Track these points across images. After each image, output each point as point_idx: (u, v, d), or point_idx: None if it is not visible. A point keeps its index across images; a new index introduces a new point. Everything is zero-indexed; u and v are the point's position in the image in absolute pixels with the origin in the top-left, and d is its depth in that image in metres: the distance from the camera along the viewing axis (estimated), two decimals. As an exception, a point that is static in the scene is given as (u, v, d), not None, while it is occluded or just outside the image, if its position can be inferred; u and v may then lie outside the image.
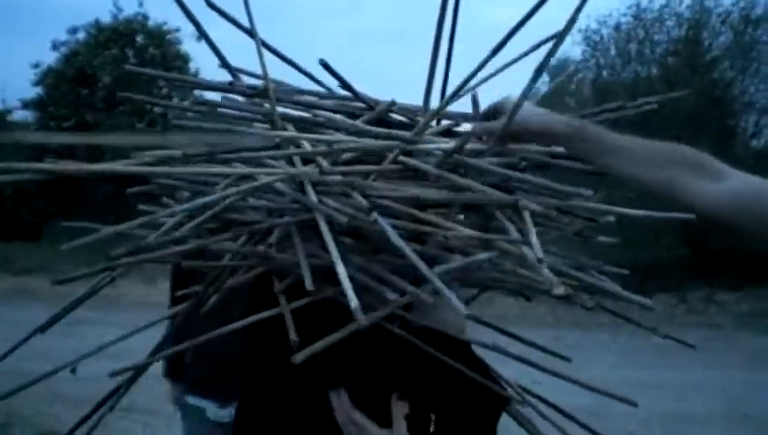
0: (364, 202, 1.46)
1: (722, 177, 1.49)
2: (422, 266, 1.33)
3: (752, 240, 1.42)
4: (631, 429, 3.27)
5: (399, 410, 1.61)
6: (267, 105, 1.73)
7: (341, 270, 1.35)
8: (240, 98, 1.80)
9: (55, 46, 23.97)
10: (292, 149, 1.64)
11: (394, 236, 1.38)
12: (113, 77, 22.44)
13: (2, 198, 20.76)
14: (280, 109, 1.73)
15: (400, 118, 1.77)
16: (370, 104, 1.79)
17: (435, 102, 1.72)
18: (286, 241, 1.57)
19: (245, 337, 1.72)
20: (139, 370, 1.76)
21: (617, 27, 17.11)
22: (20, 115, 24.37)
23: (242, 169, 1.65)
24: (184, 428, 3.71)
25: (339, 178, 1.52)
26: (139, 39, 24.16)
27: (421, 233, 1.50)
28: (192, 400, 3.56)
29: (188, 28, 23.09)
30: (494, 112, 1.66)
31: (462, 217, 1.61)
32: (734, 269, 14.54)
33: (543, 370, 1.74)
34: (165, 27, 24.26)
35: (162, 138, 1.72)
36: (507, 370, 1.82)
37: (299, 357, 1.35)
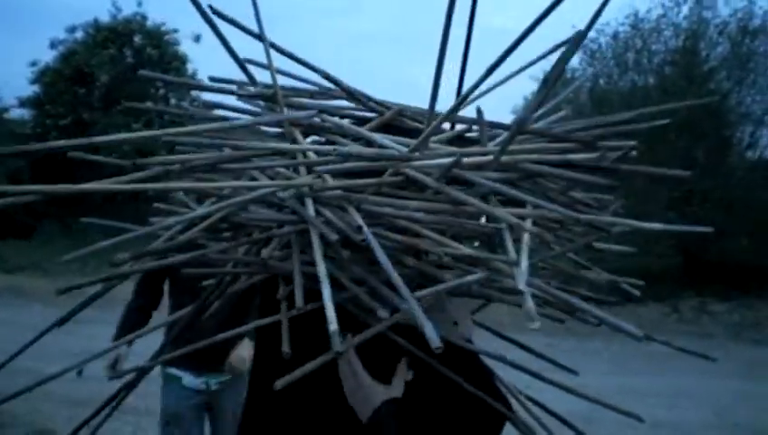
0: (357, 217, 1.47)
1: None
2: (402, 289, 1.33)
3: None
4: (623, 434, 3.29)
5: (402, 372, 1.63)
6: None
7: (326, 291, 1.35)
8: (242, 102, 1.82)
9: (53, 45, 23.98)
10: (289, 160, 1.65)
11: (380, 254, 1.39)
12: (110, 76, 22.45)
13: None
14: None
15: (410, 123, 1.78)
16: (379, 110, 1.80)
17: (443, 107, 1.73)
18: (289, 249, 1.58)
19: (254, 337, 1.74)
20: (142, 373, 1.77)
21: (615, 36, 17.15)
22: (17, 113, 24.37)
23: (237, 183, 1.66)
24: (164, 391, 4.42)
25: (335, 192, 1.53)
26: (137, 39, 24.16)
27: (416, 248, 1.50)
28: (171, 370, 4.35)
29: (186, 29, 23.15)
30: None
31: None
32: (725, 279, 14.58)
33: (542, 378, 1.75)
34: (163, 28, 24.27)
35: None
36: (503, 375, 1.83)
37: (279, 384, 1.36)
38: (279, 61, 1.87)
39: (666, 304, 14.26)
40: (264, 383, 1.50)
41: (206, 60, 27.00)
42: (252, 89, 1.83)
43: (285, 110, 1.78)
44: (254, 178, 1.67)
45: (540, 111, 1.83)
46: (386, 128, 1.76)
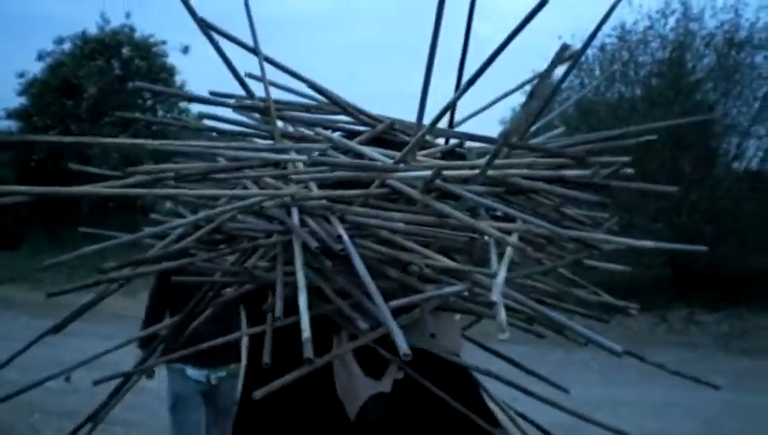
0: (339, 227, 1.47)
1: None
2: (377, 297, 1.34)
3: None
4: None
5: (393, 371, 1.63)
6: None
7: (302, 299, 1.36)
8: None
9: (41, 56, 23.95)
10: (273, 170, 1.66)
11: (359, 264, 1.40)
12: (98, 88, 22.43)
13: (-17, 207, 20.66)
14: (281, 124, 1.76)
15: (402, 136, 1.78)
16: (370, 123, 1.81)
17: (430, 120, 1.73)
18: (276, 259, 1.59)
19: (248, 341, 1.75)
20: (125, 380, 1.77)
21: (602, 48, 17.21)
22: (4, 124, 24.31)
23: (219, 192, 1.67)
24: (169, 380, 5.05)
25: (319, 202, 1.54)
26: (125, 51, 24.16)
27: (397, 260, 1.51)
28: (175, 364, 4.83)
29: (175, 41, 23.17)
30: None
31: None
32: (714, 290, 14.62)
33: (528, 392, 1.75)
34: (151, 39, 24.28)
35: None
36: (490, 386, 1.83)
37: (258, 394, 1.37)
38: (277, 75, 1.88)
39: (654, 314, 14.28)
40: (258, 386, 1.51)
41: (194, 72, 27.03)
42: (249, 102, 1.84)
43: (279, 123, 1.80)
44: (245, 188, 1.68)
45: (535, 127, 1.84)
46: (377, 141, 1.77)
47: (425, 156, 1.74)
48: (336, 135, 1.79)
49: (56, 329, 1.64)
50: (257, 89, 1.87)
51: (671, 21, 16.86)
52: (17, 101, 23.78)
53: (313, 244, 1.43)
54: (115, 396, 1.81)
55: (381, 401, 1.60)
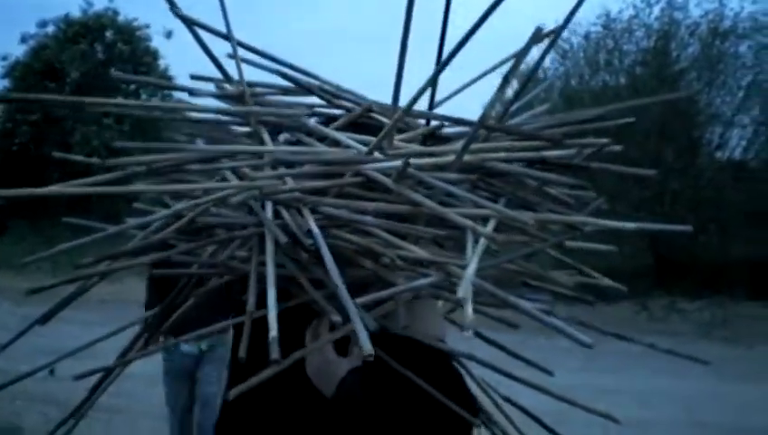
0: (310, 219, 1.48)
1: None
2: (342, 290, 1.35)
3: None
4: (592, 432, 3.30)
5: (359, 355, 1.62)
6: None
7: (271, 294, 1.38)
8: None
9: (24, 39, 23.75)
10: (252, 160, 1.66)
11: (327, 257, 1.40)
12: (81, 72, 22.28)
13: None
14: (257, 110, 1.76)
15: (382, 119, 1.77)
16: (348, 107, 1.80)
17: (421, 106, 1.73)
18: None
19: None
20: (109, 372, 1.77)
21: (586, 36, 17.22)
22: (-15, 107, 24.10)
23: (195, 185, 1.67)
24: (164, 353, 5.43)
25: (291, 195, 1.54)
26: (109, 34, 23.97)
27: (371, 251, 1.51)
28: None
29: (158, 25, 23.01)
30: None
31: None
32: (695, 278, 14.70)
33: (513, 377, 1.76)
34: (135, 23, 24.11)
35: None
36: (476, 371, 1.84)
37: (231, 394, 1.37)
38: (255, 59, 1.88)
39: (636, 302, 14.34)
40: (242, 378, 1.51)
41: (177, 56, 26.82)
42: (228, 86, 1.84)
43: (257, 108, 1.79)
44: (224, 179, 1.68)
45: (513, 108, 1.84)
46: (355, 125, 1.76)
47: (404, 140, 1.73)
48: (312, 121, 1.78)
49: (44, 319, 1.64)
50: (252, 74, 1.87)
51: (656, 10, 16.90)
52: (0, 84, 23.63)
53: (283, 239, 1.43)
54: (97, 390, 1.81)
55: (358, 376, 1.61)
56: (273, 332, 1.31)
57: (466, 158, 1.61)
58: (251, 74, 1.86)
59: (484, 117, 1.60)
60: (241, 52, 1.88)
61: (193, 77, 1.88)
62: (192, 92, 1.83)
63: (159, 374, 5.54)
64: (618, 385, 8.77)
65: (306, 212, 1.50)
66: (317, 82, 1.87)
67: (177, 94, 1.93)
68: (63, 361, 1.70)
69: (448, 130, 1.79)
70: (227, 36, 1.86)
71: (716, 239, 14.65)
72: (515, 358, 1.82)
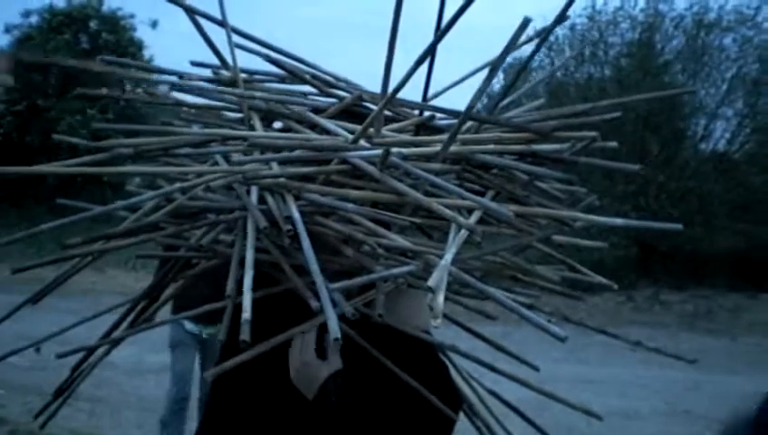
0: (292, 205, 1.49)
1: None
2: (318, 277, 1.37)
3: None
4: (573, 423, 3.32)
5: (336, 348, 1.63)
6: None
7: (248, 279, 1.40)
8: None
9: (8, 29, 23.58)
10: (229, 146, 1.67)
11: (306, 246, 1.41)
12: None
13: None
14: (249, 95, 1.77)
15: (372, 107, 1.77)
16: (339, 96, 1.81)
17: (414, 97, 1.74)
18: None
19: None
20: (91, 351, 1.77)
21: (572, 28, 17.22)
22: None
23: (181, 168, 1.68)
24: (170, 328, 5.61)
25: (274, 180, 1.54)
26: (93, 24, 23.81)
27: (353, 238, 1.51)
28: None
29: (142, 15, 22.89)
30: None
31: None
32: (679, 270, 14.77)
33: (495, 370, 1.77)
34: (119, 13, 23.97)
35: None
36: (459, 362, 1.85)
37: (208, 375, 1.39)
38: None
39: (620, 293, 14.38)
40: (229, 379, 1.52)
41: (162, 46, 26.74)
42: (225, 72, 1.85)
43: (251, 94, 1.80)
44: (215, 164, 1.69)
45: (505, 102, 1.85)
46: (346, 113, 1.77)
47: (395, 130, 1.74)
48: (305, 109, 1.79)
49: (34, 301, 1.65)
50: (249, 62, 1.88)
51: (641, 2, 16.91)
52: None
53: (263, 222, 1.44)
54: (82, 369, 1.81)
55: (339, 379, 1.61)
56: (247, 314, 1.32)
57: (455, 149, 1.62)
58: (249, 62, 1.88)
59: (469, 107, 1.60)
60: (238, 39, 1.89)
61: (193, 63, 1.90)
62: (182, 77, 1.84)
63: (141, 365, 5.59)
64: (601, 375, 8.81)
65: (289, 198, 1.51)
66: (311, 71, 1.88)
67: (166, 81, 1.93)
68: (48, 350, 1.70)
69: (443, 122, 1.80)
70: (222, 23, 1.87)
71: (701, 231, 14.70)
72: (500, 351, 1.82)
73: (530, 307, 1.46)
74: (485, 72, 1.73)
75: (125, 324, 1.81)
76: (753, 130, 16.29)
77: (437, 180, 1.54)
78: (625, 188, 14.91)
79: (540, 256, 1.83)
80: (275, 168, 1.57)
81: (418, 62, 1.64)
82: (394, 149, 1.53)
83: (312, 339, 1.62)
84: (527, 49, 1.79)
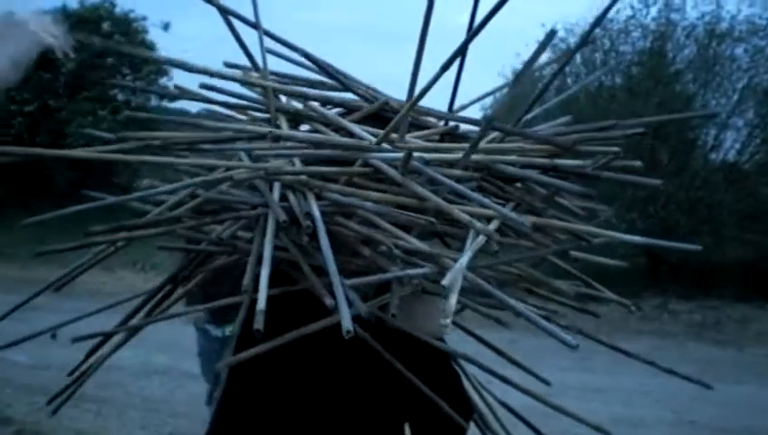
0: (313, 205, 1.49)
1: None
2: (334, 275, 1.38)
3: None
4: (580, 432, 3.31)
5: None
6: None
7: (264, 274, 1.40)
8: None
9: (20, 29, 23.67)
10: (260, 143, 1.68)
11: (324, 244, 1.42)
12: (77, 63, 22.23)
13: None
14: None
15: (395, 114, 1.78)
16: (368, 97, 1.82)
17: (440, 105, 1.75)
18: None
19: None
20: (108, 337, 1.77)
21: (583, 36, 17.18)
22: (-20, 98, 24.06)
23: (204, 161, 1.69)
24: (198, 337, 5.85)
25: (295, 178, 1.55)
26: (105, 26, 23.89)
27: (372, 239, 1.52)
28: (201, 324, 5.70)
29: (155, 17, 22.97)
30: None
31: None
32: (688, 280, 14.72)
33: (502, 378, 1.77)
34: (132, 15, 24.06)
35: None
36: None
37: (218, 366, 1.41)
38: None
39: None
40: (246, 365, 1.52)
41: (174, 48, 26.84)
42: (255, 75, 1.87)
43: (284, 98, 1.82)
44: (239, 160, 1.71)
45: (531, 115, 1.85)
46: (373, 118, 1.78)
47: (419, 137, 1.75)
48: (332, 112, 1.80)
49: (56, 287, 1.66)
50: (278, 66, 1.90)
51: (653, 11, 16.88)
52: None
53: (282, 217, 1.45)
54: (97, 356, 1.81)
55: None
56: (261, 305, 1.33)
57: (476, 157, 1.63)
58: (280, 66, 1.90)
59: (490, 117, 1.61)
60: (270, 43, 1.91)
61: (226, 64, 1.91)
62: (213, 75, 1.85)
63: (147, 366, 5.60)
64: (606, 385, 8.80)
65: (310, 196, 1.52)
66: (341, 78, 1.90)
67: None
68: (53, 350, 1.71)
69: (467, 130, 1.81)
70: (255, 25, 1.88)
71: (709, 241, 14.65)
72: (509, 361, 1.82)
73: (546, 318, 1.46)
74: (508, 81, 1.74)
75: (142, 312, 1.82)
76: (763, 140, 16.24)
77: (459, 187, 1.55)
78: (634, 194, 14.87)
79: (551, 268, 1.83)
80: (298, 164, 1.58)
81: (444, 67, 1.65)
82: (416, 154, 1.54)
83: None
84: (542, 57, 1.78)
